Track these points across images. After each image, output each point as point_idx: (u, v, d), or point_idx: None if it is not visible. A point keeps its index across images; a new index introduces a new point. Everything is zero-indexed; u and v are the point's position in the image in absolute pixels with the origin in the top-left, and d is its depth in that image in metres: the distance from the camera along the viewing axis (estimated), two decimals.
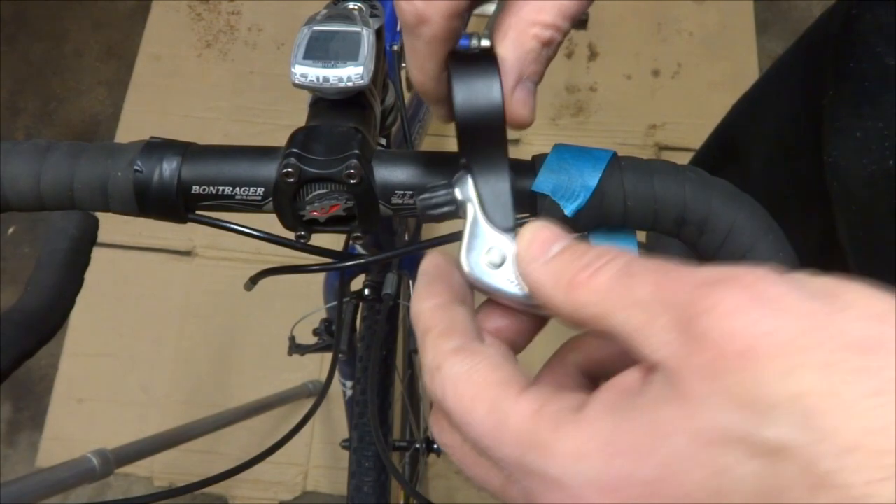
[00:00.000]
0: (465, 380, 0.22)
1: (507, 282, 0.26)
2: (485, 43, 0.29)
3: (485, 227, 0.27)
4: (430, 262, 0.28)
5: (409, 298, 0.86)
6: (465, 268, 0.27)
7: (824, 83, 0.55)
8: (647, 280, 0.21)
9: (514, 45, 0.28)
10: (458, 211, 0.28)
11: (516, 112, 0.28)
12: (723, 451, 0.17)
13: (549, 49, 0.28)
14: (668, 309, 0.19)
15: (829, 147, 0.53)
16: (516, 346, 0.27)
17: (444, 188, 0.29)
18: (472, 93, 0.27)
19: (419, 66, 0.29)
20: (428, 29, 0.27)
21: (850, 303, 0.18)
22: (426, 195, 0.29)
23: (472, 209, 0.28)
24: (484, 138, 0.28)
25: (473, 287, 0.27)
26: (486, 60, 0.28)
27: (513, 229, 0.27)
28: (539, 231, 0.25)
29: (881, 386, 0.16)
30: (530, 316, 0.26)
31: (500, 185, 0.28)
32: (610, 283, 0.21)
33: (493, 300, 0.27)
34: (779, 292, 0.18)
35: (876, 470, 0.16)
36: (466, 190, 0.28)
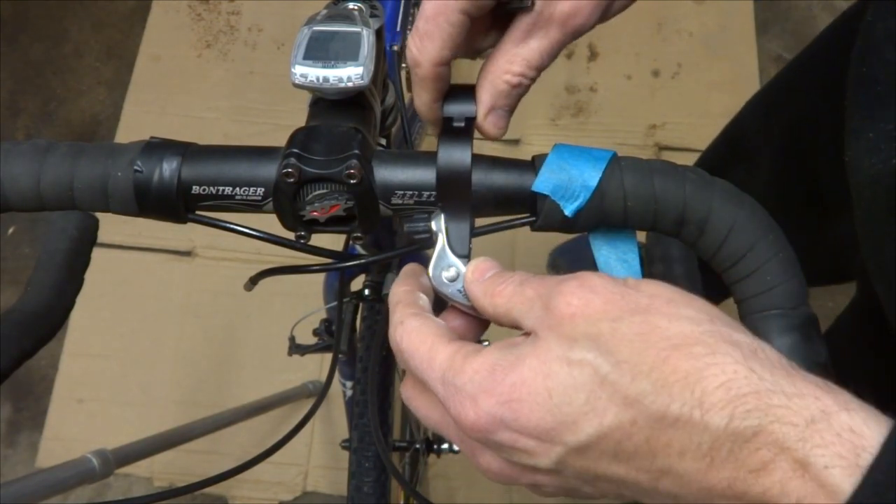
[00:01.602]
0: (416, 330, 0.34)
1: (457, 292, 0.37)
2: None
3: (448, 252, 0.37)
4: (409, 267, 0.39)
5: None
6: (431, 278, 0.37)
7: (842, 84, 0.56)
8: (532, 287, 0.33)
9: (489, 86, 0.39)
10: (431, 238, 0.38)
11: (488, 131, 0.40)
12: (552, 365, 0.29)
13: (518, 89, 0.39)
14: (540, 297, 0.31)
15: (847, 148, 0.54)
16: (469, 340, 0.37)
17: (423, 221, 0.38)
18: (450, 160, 0.37)
19: (417, 95, 0.39)
20: (420, 70, 0.38)
21: (640, 287, 0.31)
22: (411, 224, 0.38)
23: (441, 239, 0.37)
24: (454, 190, 0.37)
25: (435, 292, 0.37)
26: (464, 134, 0.38)
27: (467, 256, 0.37)
28: (479, 263, 0.36)
29: (644, 330, 0.29)
30: (474, 317, 0.37)
31: (463, 224, 0.37)
32: (512, 290, 0.33)
33: (451, 305, 0.38)
34: (597, 283, 0.30)
35: (634, 372, 0.28)
36: (439, 224, 0.38)
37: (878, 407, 0.27)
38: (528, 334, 0.32)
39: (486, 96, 0.39)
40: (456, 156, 0.37)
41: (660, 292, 0.30)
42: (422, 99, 0.39)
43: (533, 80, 0.39)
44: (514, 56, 0.38)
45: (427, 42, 0.37)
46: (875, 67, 0.52)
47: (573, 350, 0.29)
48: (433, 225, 0.38)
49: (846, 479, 0.24)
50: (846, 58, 0.57)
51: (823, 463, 0.25)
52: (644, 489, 0.29)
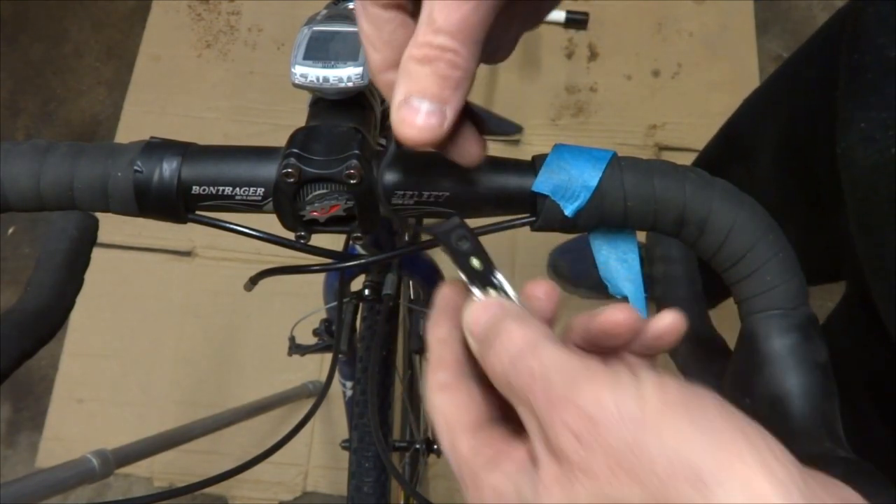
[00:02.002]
0: (440, 412, 0.29)
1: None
2: None
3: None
4: (442, 294, 0.33)
5: (409, 299, 0.86)
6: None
7: (838, 78, 0.56)
8: (521, 383, 0.26)
9: (401, 68, 0.30)
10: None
11: (397, 127, 0.30)
12: None
13: (430, 66, 0.29)
14: (535, 416, 0.25)
15: (840, 138, 0.54)
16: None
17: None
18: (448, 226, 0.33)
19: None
20: (374, 82, 0.33)
21: (661, 438, 0.22)
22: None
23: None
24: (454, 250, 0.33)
25: (449, 303, 0.32)
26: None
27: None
28: (472, 311, 0.30)
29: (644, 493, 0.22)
30: None
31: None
32: (501, 377, 0.27)
33: None
34: (603, 424, 0.23)
35: None
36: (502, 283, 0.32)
37: (869, 405, 0.26)
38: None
39: (398, 85, 0.30)
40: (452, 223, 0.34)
41: (684, 457, 0.22)
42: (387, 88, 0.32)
43: (453, 50, 0.29)
44: (418, 25, 0.29)
45: (367, 49, 0.32)
46: (866, 54, 0.51)
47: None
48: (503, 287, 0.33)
49: None
50: (839, 52, 0.56)
51: None
52: None
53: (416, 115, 0.30)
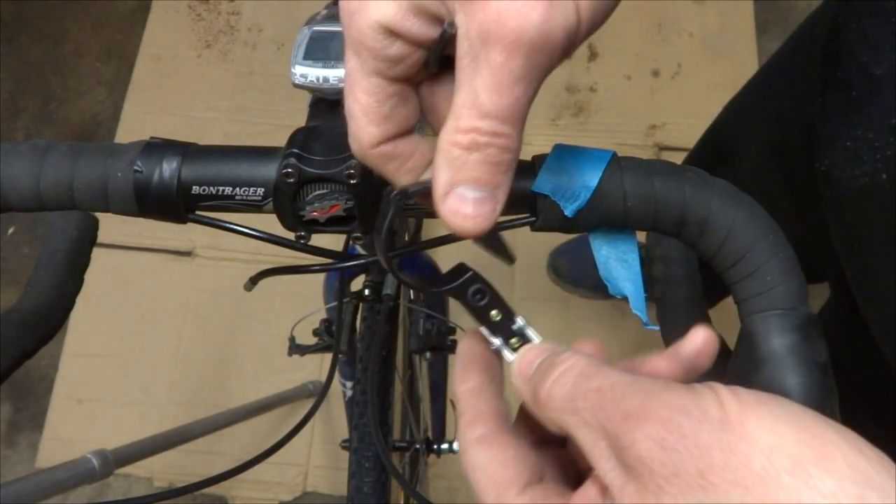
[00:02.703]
0: (482, 470, 0.27)
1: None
2: None
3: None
4: (465, 345, 0.31)
5: (408, 299, 0.86)
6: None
7: (812, 87, 0.55)
8: (588, 403, 0.24)
9: (440, 155, 0.28)
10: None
11: (449, 218, 0.28)
12: None
13: (480, 152, 0.27)
14: (606, 435, 0.23)
15: (821, 156, 0.53)
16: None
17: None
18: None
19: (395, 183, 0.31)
20: (363, 158, 0.30)
21: (747, 434, 0.21)
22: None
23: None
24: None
25: (475, 351, 0.31)
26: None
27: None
28: (524, 356, 0.29)
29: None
30: None
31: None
32: (563, 402, 0.25)
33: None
34: (687, 428, 0.22)
35: None
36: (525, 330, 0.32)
37: (859, 410, 0.26)
38: (601, 482, 0.25)
39: (440, 169, 0.28)
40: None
41: (778, 446, 0.21)
42: (399, 183, 0.31)
43: (501, 134, 0.27)
44: (458, 108, 0.27)
45: (351, 123, 0.29)
46: (848, 71, 0.50)
47: None
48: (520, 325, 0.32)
49: None
50: (814, 59, 0.56)
51: None
52: None
53: (468, 206, 0.28)
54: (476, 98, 0.26)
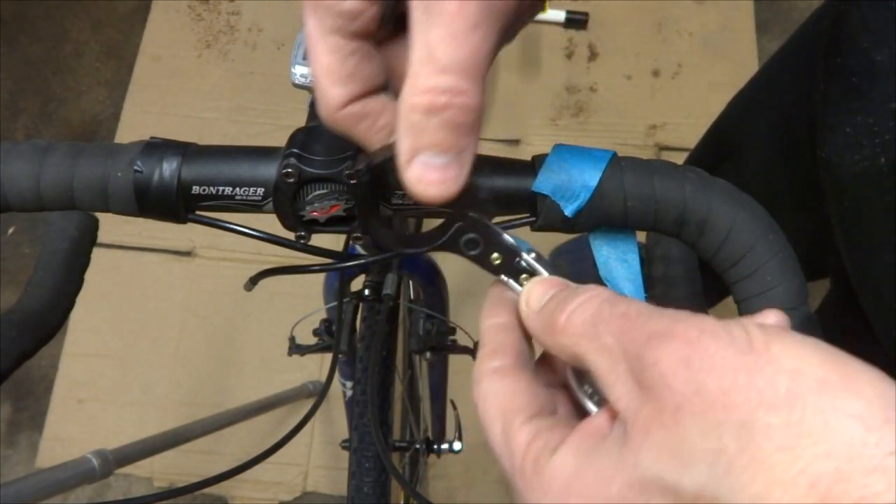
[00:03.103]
0: (492, 399, 0.26)
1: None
2: None
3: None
4: (497, 287, 0.31)
5: (408, 299, 0.86)
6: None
7: (816, 80, 0.55)
8: (612, 327, 0.23)
9: (401, 121, 0.26)
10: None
11: (412, 187, 0.27)
12: (651, 495, 0.20)
13: (442, 114, 0.25)
14: (627, 357, 0.22)
15: (822, 143, 0.53)
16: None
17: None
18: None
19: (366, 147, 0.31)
20: (329, 122, 0.29)
21: (773, 358, 0.20)
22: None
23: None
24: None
25: (506, 291, 0.31)
26: None
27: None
28: (532, 287, 0.29)
29: (788, 441, 0.19)
30: None
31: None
32: (583, 327, 0.24)
33: None
34: (713, 349, 0.21)
35: None
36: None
37: None
38: (612, 410, 0.24)
39: (402, 136, 0.26)
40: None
41: (804, 370, 0.20)
42: (370, 146, 0.30)
43: (465, 92, 0.25)
44: (416, 64, 0.25)
45: (316, 87, 0.28)
46: (849, 57, 0.50)
47: (685, 478, 0.20)
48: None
49: None
50: (818, 53, 0.56)
51: None
52: None
53: (432, 172, 0.27)
54: (431, 52, 0.24)
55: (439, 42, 0.24)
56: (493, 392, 0.27)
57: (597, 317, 0.24)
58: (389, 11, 0.27)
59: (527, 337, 0.29)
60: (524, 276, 0.31)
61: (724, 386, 0.20)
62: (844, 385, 0.19)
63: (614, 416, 0.23)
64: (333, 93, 0.28)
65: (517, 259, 0.31)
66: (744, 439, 0.19)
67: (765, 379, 0.20)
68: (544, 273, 0.31)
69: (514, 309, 0.29)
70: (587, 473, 0.22)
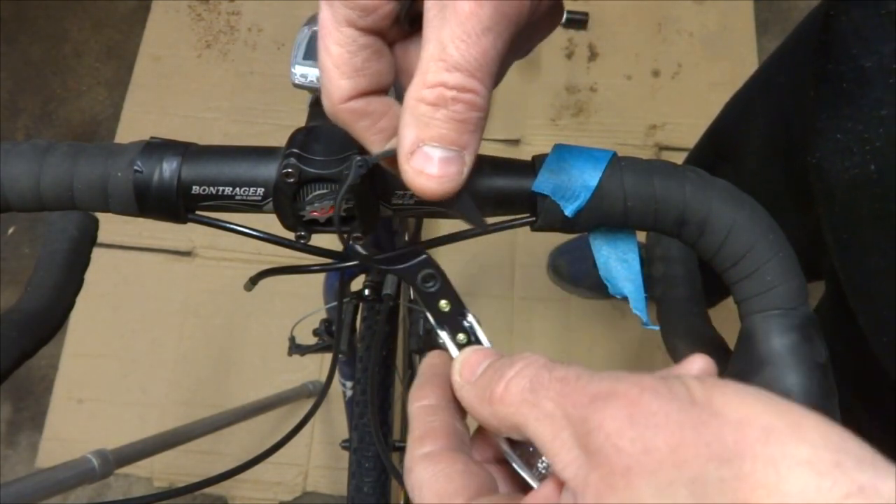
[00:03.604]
0: (427, 486, 0.26)
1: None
2: None
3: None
4: (427, 363, 0.30)
5: (409, 299, 0.86)
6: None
7: (808, 84, 0.55)
8: (551, 393, 0.23)
9: (406, 112, 0.27)
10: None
11: (412, 179, 0.27)
12: None
13: (448, 109, 0.26)
14: (570, 423, 0.22)
15: (813, 148, 0.53)
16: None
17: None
18: None
19: (371, 149, 0.31)
20: (332, 115, 0.30)
21: (717, 410, 0.20)
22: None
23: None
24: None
25: (435, 371, 0.30)
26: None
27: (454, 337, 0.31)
28: (468, 357, 0.28)
29: (742, 495, 0.18)
30: None
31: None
32: (522, 395, 0.24)
33: None
34: (656, 406, 0.20)
35: None
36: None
37: (854, 405, 0.26)
38: (557, 480, 0.23)
39: (405, 127, 0.27)
40: None
41: (749, 417, 0.20)
42: (372, 145, 0.30)
43: (471, 90, 0.26)
44: (424, 61, 0.26)
45: (323, 77, 0.28)
46: (840, 63, 0.50)
47: None
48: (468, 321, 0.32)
49: None
50: (810, 57, 0.56)
51: None
52: None
53: (433, 165, 0.27)
54: (443, 49, 0.25)
55: (451, 40, 0.25)
56: (427, 479, 0.26)
57: (535, 383, 0.24)
58: (405, 11, 0.28)
59: (460, 415, 0.28)
60: (461, 336, 0.30)
61: (672, 443, 0.20)
62: (790, 432, 0.19)
63: (560, 485, 0.23)
64: (340, 84, 0.28)
65: (461, 315, 0.31)
66: (698, 495, 0.19)
67: (711, 432, 0.20)
68: (483, 339, 0.30)
69: (444, 387, 0.29)
70: None
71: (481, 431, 0.29)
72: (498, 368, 0.25)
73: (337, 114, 0.29)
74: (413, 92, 0.26)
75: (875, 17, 0.47)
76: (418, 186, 0.27)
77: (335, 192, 0.36)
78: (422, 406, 0.29)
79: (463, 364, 0.28)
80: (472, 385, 0.26)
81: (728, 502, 0.18)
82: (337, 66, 0.28)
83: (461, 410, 0.29)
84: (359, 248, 0.34)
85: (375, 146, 0.30)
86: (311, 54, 0.38)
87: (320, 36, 0.28)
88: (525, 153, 0.36)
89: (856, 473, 0.18)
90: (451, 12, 0.25)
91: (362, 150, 0.36)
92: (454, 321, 0.31)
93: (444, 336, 0.30)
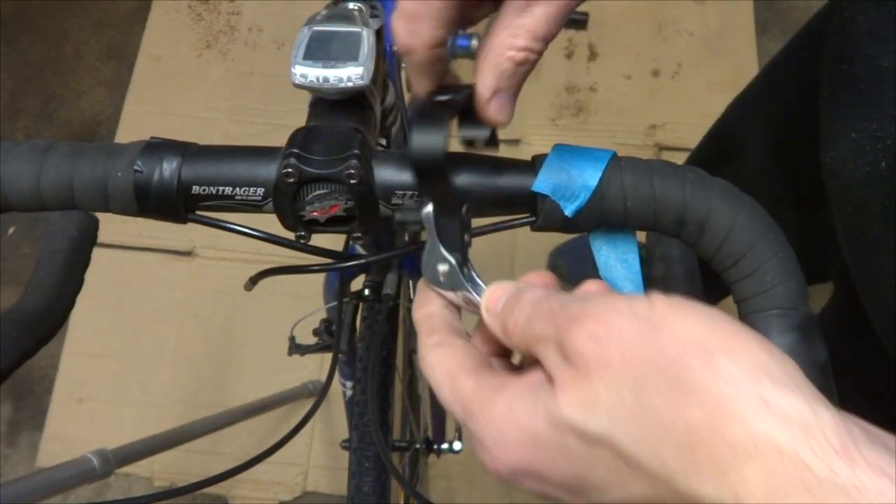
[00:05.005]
0: (438, 365, 0.32)
1: (448, 287, 0.35)
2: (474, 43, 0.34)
3: (438, 245, 0.35)
4: (422, 282, 0.36)
5: (409, 299, 0.86)
6: (424, 275, 0.35)
7: (818, 83, 0.55)
8: (542, 322, 0.29)
9: (491, 66, 0.34)
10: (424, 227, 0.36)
11: (492, 117, 0.35)
12: (570, 439, 0.26)
13: (524, 66, 0.34)
14: (555, 342, 0.28)
15: (826, 148, 0.53)
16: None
17: (414, 211, 0.36)
18: (423, 144, 0.33)
19: (416, 83, 0.36)
20: (416, 56, 0.34)
21: (668, 328, 0.25)
22: (402, 215, 0.36)
23: (431, 230, 0.35)
24: (432, 179, 0.34)
25: (430, 287, 0.35)
26: (438, 117, 0.33)
27: (461, 250, 0.35)
28: (491, 292, 0.33)
29: (671, 397, 0.24)
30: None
31: (454, 215, 0.35)
32: (523, 326, 0.30)
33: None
34: (618, 323, 0.26)
35: (660, 451, 0.24)
36: (428, 216, 0.35)
37: (859, 406, 0.27)
38: (546, 373, 0.29)
39: (488, 78, 0.34)
40: (428, 141, 0.33)
41: (692, 337, 0.25)
42: (422, 86, 0.36)
43: (540, 53, 0.34)
44: (517, 28, 0.33)
45: (417, 23, 0.33)
46: (855, 63, 0.50)
47: (590, 420, 0.25)
48: (423, 216, 0.36)
49: None
50: (819, 56, 0.56)
51: None
52: None
53: (507, 107, 0.35)
54: (536, 23, 0.33)
55: (543, 18, 0.33)
56: (438, 360, 0.32)
57: (531, 317, 0.30)
58: None
59: (457, 315, 0.35)
60: (465, 269, 0.35)
61: (624, 354, 0.25)
62: (723, 351, 0.24)
63: (548, 378, 0.28)
64: (436, 33, 0.34)
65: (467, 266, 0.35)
66: (637, 394, 0.24)
67: (657, 347, 0.25)
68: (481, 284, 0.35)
69: (437, 299, 0.35)
70: (521, 412, 0.28)
71: (481, 328, 0.35)
72: (510, 304, 0.31)
73: (422, 58, 0.34)
74: (499, 49, 0.33)
75: (890, 17, 0.47)
76: (499, 119, 0.35)
77: (335, 191, 0.36)
78: (424, 313, 0.35)
79: (488, 300, 0.33)
80: (496, 318, 0.32)
81: (662, 401, 0.24)
82: (437, 16, 0.33)
83: (457, 311, 0.35)
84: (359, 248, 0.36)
85: (428, 85, 0.36)
86: (311, 54, 0.38)
87: None
88: (525, 153, 0.38)
89: (767, 385, 0.23)
90: None
91: (362, 151, 0.36)
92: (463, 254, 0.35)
93: (447, 256, 0.34)
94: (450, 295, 0.35)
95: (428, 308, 0.35)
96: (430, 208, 0.35)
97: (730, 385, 0.23)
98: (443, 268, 0.35)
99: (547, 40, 0.34)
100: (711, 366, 0.24)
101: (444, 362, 0.32)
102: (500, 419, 0.28)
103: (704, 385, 0.23)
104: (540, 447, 0.27)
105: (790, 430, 0.22)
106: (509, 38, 0.33)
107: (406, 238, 0.79)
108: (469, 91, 0.35)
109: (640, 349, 0.25)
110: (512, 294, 0.32)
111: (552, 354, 0.28)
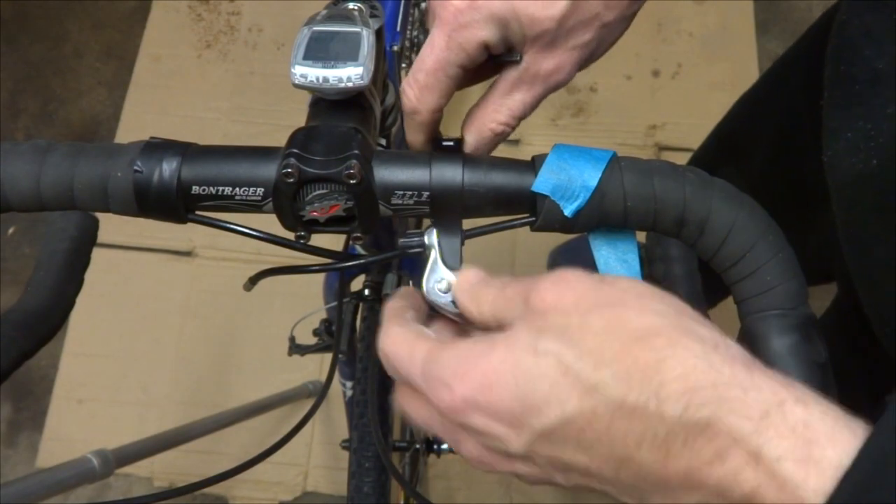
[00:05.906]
0: (398, 335, 0.35)
1: (449, 303, 0.38)
2: None
3: (440, 265, 0.38)
4: (402, 288, 0.41)
5: None
6: (424, 290, 0.38)
7: (822, 86, 0.56)
8: (513, 288, 0.34)
9: (476, 131, 0.42)
10: (425, 252, 0.39)
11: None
12: (520, 354, 0.30)
13: (500, 136, 0.42)
14: (520, 297, 0.33)
15: (825, 147, 0.54)
16: None
17: (418, 237, 0.39)
18: (443, 178, 0.38)
19: (413, 137, 0.43)
20: (419, 117, 0.41)
21: (611, 283, 0.31)
22: (405, 240, 0.39)
23: (434, 253, 0.39)
24: (447, 205, 0.38)
25: (429, 304, 0.38)
26: (456, 153, 0.40)
27: (458, 268, 0.38)
28: (468, 273, 0.37)
29: (612, 323, 0.29)
30: (464, 327, 0.39)
31: (454, 238, 0.39)
32: (495, 293, 0.35)
33: (442, 316, 0.39)
34: (572, 278, 0.32)
35: (597, 363, 0.29)
36: (432, 239, 0.39)
37: (864, 407, 0.27)
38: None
39: (471, 139, 0.42)
40: (448, 174, 0.37)
41: (631, 287, 0.31)
42: (418, 140, 0.43)
43: (513, 128, 0.42)
44: (499, 106, 0.41)
45: (427, 94, 0.40)
46: (853, 65, 0.51)
47: (540, 340, 0.30)
48: (426, 240, 0.39)
49: (798, 472, 0.25)
50: (824, 56, 0.57)
51: (776, 455, 0.26)
52: (607, 479, 0.30)
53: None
54: (519, 106, 0.41)
55: (522, 103, 0.41)
56: (400, 332, 0.35)
57: (505, 285, 0.34)
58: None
59: (422, 319, 0.38)
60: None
61: (577, 296, 0.31)
62: (654, 297, 0.31)
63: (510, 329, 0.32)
64: (440, 102, 0.41)
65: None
66: (582, 322, 0.30)
67: (603, 292, 0.31)
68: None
69: (413, 301, 0.39)
70: (479, 349, 0.31)
71: (438, 321, 0.39)
72: (486, 281, 0.36)
73: (425, 119, 0.41)
74: (485, 121, 0.41)
75: (887, 19, 0.48)
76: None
77: (335, 191, 0.36)
78: (394, 307, 0.38)
79: (464, 276, 0.37)
80: (467, 291, 0.36)
81: (602, 324, 0.29)
82: (441, 89, 0.40)
83: (421, 309, 0.39)
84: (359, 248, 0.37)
85: (424, 138, 0.43)
86: (311, 54, 0.38)
87: (431, 66, 0.39)
88: (525, 153, 0.41)
89: (685, 319, 0.30)
90: (528, 89, 0.41)
91: (362, 151, 0.36)
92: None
93: (447, 274, 0.38)
94: (447, 308, 0.38)
95: (399, 303, 0.38)
96: (434, 234, 0.39)
97: (658, 317, 0.29)
98: (441, 286, 0.38)
99: (520, 119, 0.42)
100: (644, 303, 0.30)
101: (403, 334, 0.35)
102: (459, 357, 0.31)
103: (637, 315, 0.29)
104: (495, 373, 0.30)
105: (703, 346, 0.28)
106: (493, 112, 0.41)
107: None
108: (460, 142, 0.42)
109: (591, 294, 0.31)
110: (487, 275, 0.37)
111: (517, 308, 0.32)
